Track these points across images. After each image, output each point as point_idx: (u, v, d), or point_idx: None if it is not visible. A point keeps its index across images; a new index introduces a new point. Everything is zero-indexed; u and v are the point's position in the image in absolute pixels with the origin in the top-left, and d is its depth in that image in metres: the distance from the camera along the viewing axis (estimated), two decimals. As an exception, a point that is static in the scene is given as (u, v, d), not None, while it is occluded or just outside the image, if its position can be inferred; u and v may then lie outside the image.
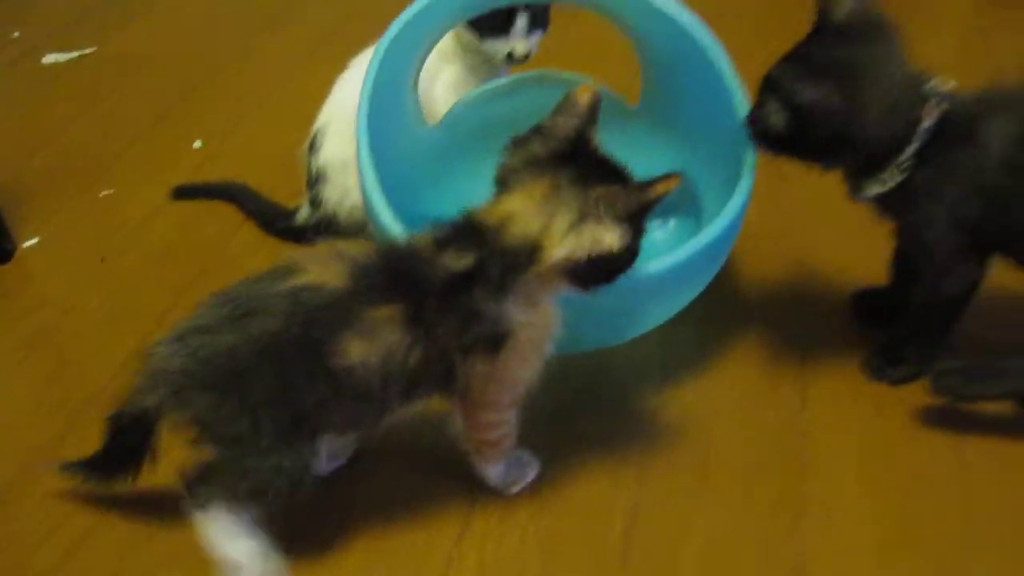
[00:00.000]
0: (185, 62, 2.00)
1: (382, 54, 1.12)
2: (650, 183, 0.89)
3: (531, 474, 1.06)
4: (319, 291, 0.87)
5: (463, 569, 0.98)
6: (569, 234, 0.87)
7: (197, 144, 1.71)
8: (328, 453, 1.05)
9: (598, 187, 0.89)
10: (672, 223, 1.36)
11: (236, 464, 0.91)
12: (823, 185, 1.48)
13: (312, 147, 1.40)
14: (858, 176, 1.09)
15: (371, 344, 0.87)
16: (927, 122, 1.03)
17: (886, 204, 1.10)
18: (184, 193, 1.56)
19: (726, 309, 1.29)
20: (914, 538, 1.00)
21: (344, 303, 0.87)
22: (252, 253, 1.44)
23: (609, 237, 0.88)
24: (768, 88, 1.05)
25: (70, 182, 1.62)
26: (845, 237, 1.39)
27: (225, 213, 1.52)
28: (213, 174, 1.61)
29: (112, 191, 1.60)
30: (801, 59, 1.04)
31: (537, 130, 0.93)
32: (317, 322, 0.87)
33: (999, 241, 1.08)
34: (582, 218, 0.88)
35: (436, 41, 1.25)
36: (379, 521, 1.03)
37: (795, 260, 1.38)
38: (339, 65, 1.43)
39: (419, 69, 1.25)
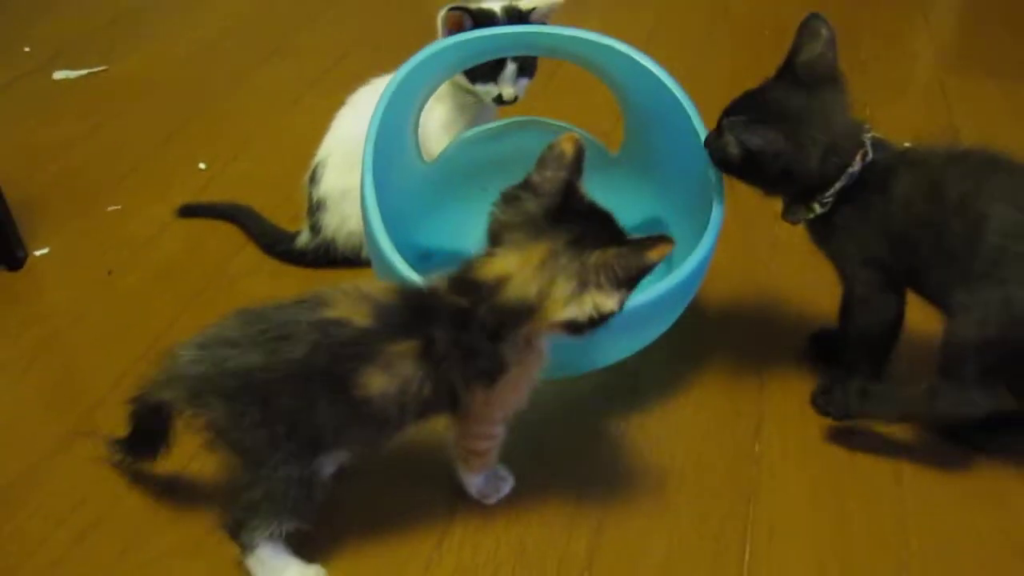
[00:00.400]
0: (191, 86, 2.08)
1: (386, 101, 1.21)
2: (645, 247, 0.93)
3: (506, 488, 1.14)
4: (346, 326, 0.94)
5: (442, 569, 1.07)
6: (571, 303, 0.93)
7: (201, 166, 1.79)
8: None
9: (595, 252, 0.93)
10: (648, 263, 1.46)
11: (248, 472, 0.97)
12: (786, 232, 1.60)
13: (313, 178, 1.51)
14: (792, 202, 1.23)
15: (390, 377, 0.94)
16: (853, 167, 1.16)
17: (814, 232, 1.25)
18: (189, 212, 1.65)
19: (693, 342, 1.39)
20: (851, 557, 1.10)
21: (368, 339, 0.94)
22: (252, 274, 1.53)
23: (609, 303, 0.94)
24: (727, 124, 1.17)
25: (79, 196, 1.70)
26: (805, 280, 1.50)
27: (228, 234, 1.61)
28: (216, 195, 1.69)
29: (119, 207, 1.68)
30: (757, 106, 1.17)
31: (527, 186, 0.98)
32: (342, 355, 0.94)
33: (907, 278, 1.20)
34: (582, 286, 0.93)
35: (435, 88, 1.36)
36: (365, 525, 1.11)
37: (758, 299, 1.48)
38: (337, 97, 1.53)
39: (419, 112, 1.35)
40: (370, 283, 1.02)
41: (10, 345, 1.39)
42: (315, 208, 1.51)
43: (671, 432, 1.26)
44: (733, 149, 1.17)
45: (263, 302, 1.00)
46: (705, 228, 1.21)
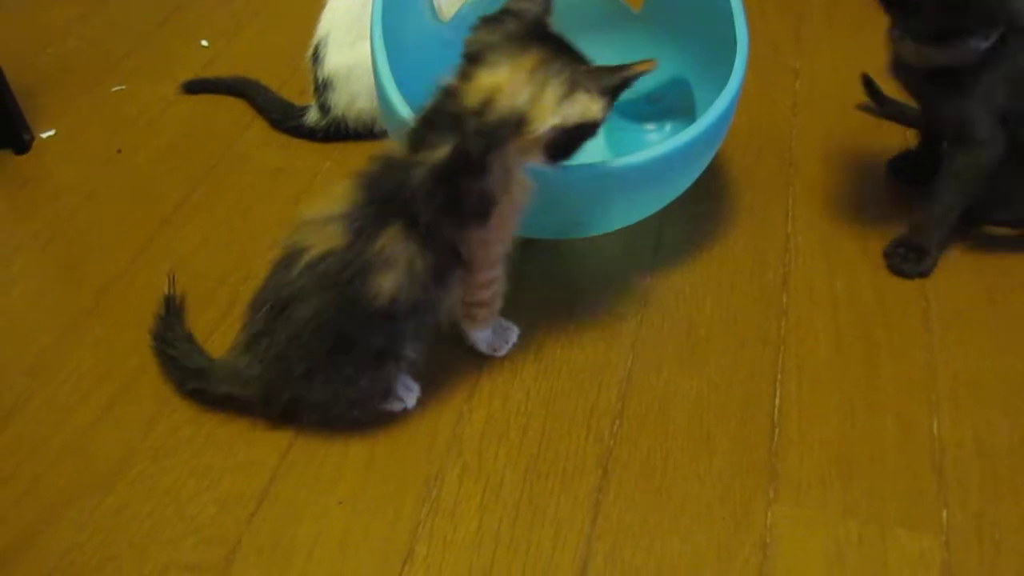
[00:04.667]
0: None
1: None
2: (628, 64, 0.96)
3: (513, 336, 1.16)
4: (330, 257, 0.96)
5: (473, 422, 1.08)
6: (562, 103, 0.93)
7: (204, 43, 1.74)
8: None
9: (581, 63, 0.96)
10: (669, 127, 1.43)
11: (341, 406, 1.05)
12: (807, 89, 1.57)
13: (315, 57, 1.46)
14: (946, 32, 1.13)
15: (393, 270, 0.95)
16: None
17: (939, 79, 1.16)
18: (195, 88, 1.61)
19: (715, 199, 1.37)
20: (879, 400, 1.10)
21: (355, 253, 0.95)
22: (262, 147, 1.50)
23: (596, 107, 0.94)
24: None
25: (81, 78, 1.66)
26: (828, 135, 1.48)
27: (235, 109, 1.57)
28: (220, 72, 1.65)
29: (124, 87, 1.64)
30: None
31: (507, 11, 0.98)
32: (344, 283, 0.95)
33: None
34: (572, 88, 0.93)
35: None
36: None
37: (780, 156, 1.45)
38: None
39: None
40: (324, 200, 1.00)
41: (25, 226, 1.38)
42: (321, 88, 1.47)
43: (697, 286, 1.25)
44: None
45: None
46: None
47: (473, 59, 0.96)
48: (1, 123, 1.50)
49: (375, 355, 1.01)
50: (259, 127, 1.54)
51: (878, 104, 1.49)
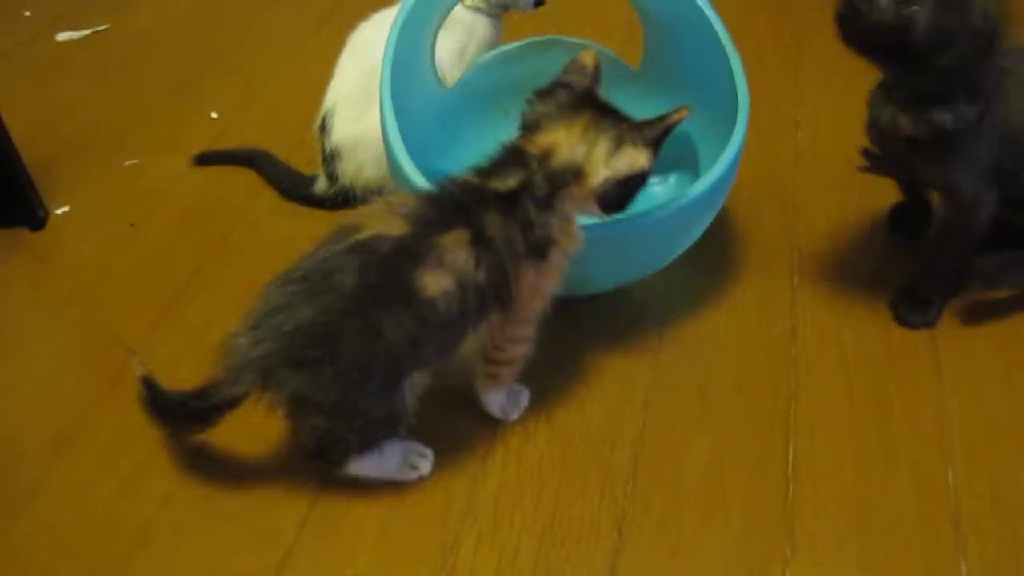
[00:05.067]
0: (196, 39, 2.06)
1: (400, 24, 1.20)
2: (665, 114, 1.03)
3: (525, 401, 1.16)
4: (384, 240, 0.96)
5: (487, 486, 1.08)
6: (612, 157, 1.00)
7: (214, 115, 1.78)
8: None
9: (625, 121, 1.03)
10: (672, 179, 1.45)
11: (342, 426, 1.00)
12: (808, 141, 1.59)
13: (323, 128, 1.49)
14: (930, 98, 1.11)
15: (444, 273, 0.96)
16: None
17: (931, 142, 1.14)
18: (207, 160, 1.64)
19: (722, 253, 1.39)
20: (893, 452, 1.10)
21: (410, 244, 0.96)
22: (273, 215, 1.52)
23: (642, 158, 1.01)
24: None
25: (94, 153, 1.69)
26: (829, 187, 1.50)
27: (245, 179, 1.60)
28: (230, 143, 1.68)
29: (136, 161, 1.67)
30: None
31: (559, 84, 1.05)
32: (391, 267, 0.95)
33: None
34: (620, 143, 1.01)
35: (450, 9, 1.33)
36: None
37: (784, 209, 1.47)
38: (343, 38, 1.50)
39: (435, 36, 1.33)
40: (396, 197, 1.04)
41: (40, 303, 1.40)
42: (329, 158, 1.49)
43: (706, 342, 1.26)
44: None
45: (291, 262, 1.00)
46: (729, 139, 1.19)
47: (531, 127, 1.04)
48: (16, 201, 1.53)
49: (389, 361, 0.97)
50: (269, 197, 1.56)
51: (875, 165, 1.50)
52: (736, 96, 1.21)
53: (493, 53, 1.44)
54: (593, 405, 1.17)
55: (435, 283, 0.96)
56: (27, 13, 2.20)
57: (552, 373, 1.21)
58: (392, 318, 0.95)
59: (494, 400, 1.14)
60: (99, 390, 1.24)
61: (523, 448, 1.13)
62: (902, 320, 1.25)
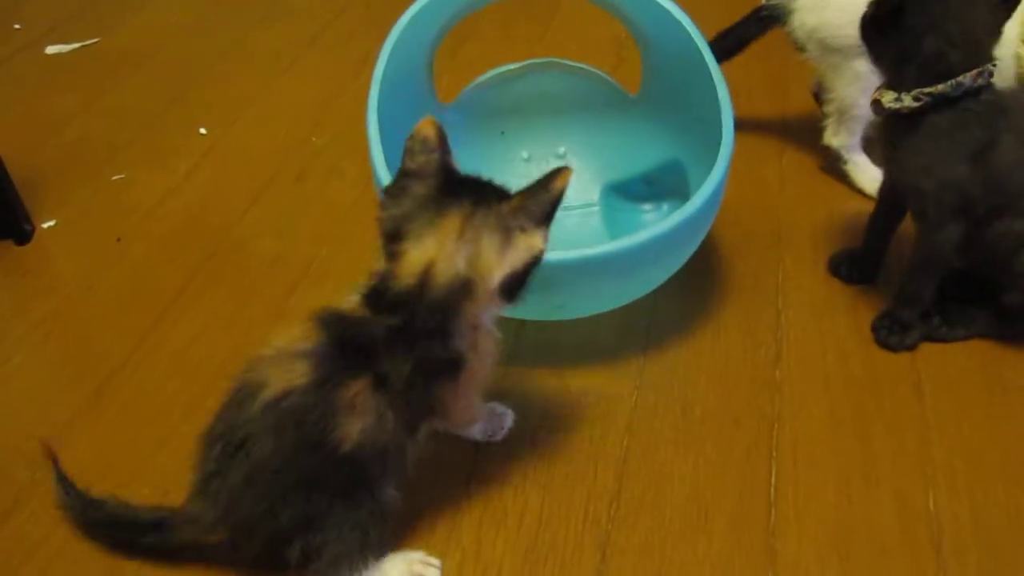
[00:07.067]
0: (185, 54, 2.07)
1: (394, 41, 1.21)
2: (549, 180, 0.91)
3: (508, 422, 1.14)
4: (292, 394, 0.89)
5: (472, 509, 1.08)
6: (504, 253, 0.90)
7: (202, 131, 1.78)
8: None
9: (503, 203, 0.91)
10: (665, 207, 1.47)
11: (323, 547, 0.93)
12: (793, 166, 1.60)
13: None
14: (889, 84, 1.18)
15: (361, 417, 0.90)
16: (963, 79, 1.11)
17: (891, 135, 1.19)
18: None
19: (708, 276, 1.39)
20: (875, 475, 1.11)
21: (320, 395, 0.89)
22: (258, 237, 1.52)
23: (536, 241, 0.91)
24: None
25: (81, 168, 1.69)
26: (814, 212, 1.51)
27: (232, 198, 1.60)
28: (219, 159, 1.69)
29: (123, 176, 1.67)
30: None
31: (405, 175, 0.93)
32: (308, 423, 0.89)
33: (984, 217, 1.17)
34: (507, 232, 0.90)
35: (451, 24, 1.33)
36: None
37: (769, 233, 1.48)
38: (334, 57, 1.51)
39: (433, 52, 1.33)
40: (285, 336, 0.94)
41: (25, 317, 1.39)
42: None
43: (690, 364, 1.26)
44: None
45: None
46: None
47: (393, 237, 0.91)
48: (2, 215, 1.53)
49: (343, 493, 0.93)
50: (254, 215, 1.57)
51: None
52: (722, 127, 1.22)
53: (491, 73, 1.45)
54: (577, 426, 1.18)
55: (355, 428, 0.90)
56: (17, 25, 2.21)
57: (535, 394, 1.22)
58: (326, 467, 0.90)
59: (473, 431, 1.13)
60: (82, 405, 1.23)
61: (507, 468, 1.13)
62: (882, 343, 1.26)
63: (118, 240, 1.52)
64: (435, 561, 1.01)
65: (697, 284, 1.37)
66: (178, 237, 1.53)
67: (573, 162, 1.55)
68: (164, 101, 1.88)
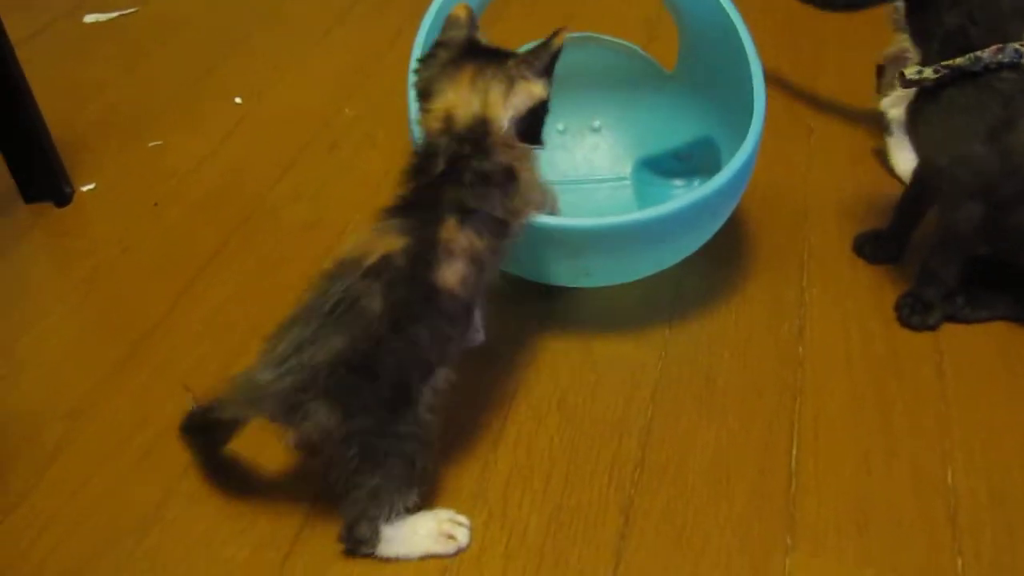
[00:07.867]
0: (221, 24, 2.09)
1: (436, 8, 1.23)
2: (547, 41, 1.05)
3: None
4: (395, 256, 0.96)
5: (498, 470, 1.11)
6: (508, 97, 1.03)
7: (237, 100, 1.81)
8: None
9: (509, 59, 1.05)
10: (697, 183, 1.48)
11: (362, 458, 0.96)
12: (821, 143, 1.61)
13: None
14: (921, 61, 1.18)
15: (457, 261, 0.98)
16: (982, 54, 1.11)
17: (917, 110, 1.21)
18: None
19: (734, 252, 1.41)
20: (894, 450, 1.13)
21: (420, 251, 0.97)
22: (293, 202, 1.55)
23: (537, 88, 1.04)
24: None
25: (120, 134, 1.72)
26: (841, 189, 1.53)
27: (266, 166, 1.63)
28: (254, 127, 1.72)
29: (160, 142, 1.70)
30: None
31: (438, 45, 1.08)
32: (412, 279, 0.96)
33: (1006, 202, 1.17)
34: (511, 81, 1.03)
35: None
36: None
37: (796, 209, 1.49)
38: (367, 28, 1.52)
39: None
40: (369, 225, 1.02)
41: (64, 277, 1.43)
42: None
43: (715, 337, 1.28)
44: None
45: (299, 299, 0.99)
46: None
47: (424, 95, 1.06)
48: (43, 177, 1.56)
49: (418, 376, 0.98)
50: (289, 182, 1.59)
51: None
52: (754, 103, 1.23)
53: (529, 46, 1.46)
54: (603, 393, 1.20)
55: (453, 275, 0.98)
56: (54, -6, 2.23)
57: (563, 358, 1.24)
58: (425, 326, 0.97)
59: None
60: (116, 363, 1.27)
61: (534, 433, 1.15)
62: (905, 322, 1.28)
63: (155, 204, 1.56)
64: (464, 520, 1.04)
65: (723, 259, 1.39)
66: (213, 202, 1.56)
67: (608, 135, 1.57)
68: (200, 70, 1.91)
